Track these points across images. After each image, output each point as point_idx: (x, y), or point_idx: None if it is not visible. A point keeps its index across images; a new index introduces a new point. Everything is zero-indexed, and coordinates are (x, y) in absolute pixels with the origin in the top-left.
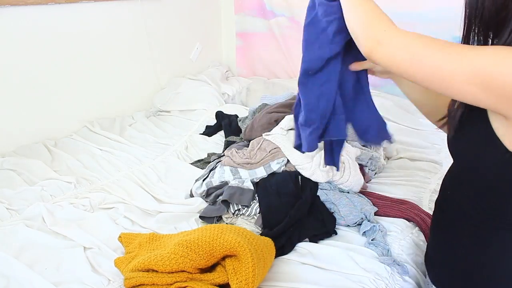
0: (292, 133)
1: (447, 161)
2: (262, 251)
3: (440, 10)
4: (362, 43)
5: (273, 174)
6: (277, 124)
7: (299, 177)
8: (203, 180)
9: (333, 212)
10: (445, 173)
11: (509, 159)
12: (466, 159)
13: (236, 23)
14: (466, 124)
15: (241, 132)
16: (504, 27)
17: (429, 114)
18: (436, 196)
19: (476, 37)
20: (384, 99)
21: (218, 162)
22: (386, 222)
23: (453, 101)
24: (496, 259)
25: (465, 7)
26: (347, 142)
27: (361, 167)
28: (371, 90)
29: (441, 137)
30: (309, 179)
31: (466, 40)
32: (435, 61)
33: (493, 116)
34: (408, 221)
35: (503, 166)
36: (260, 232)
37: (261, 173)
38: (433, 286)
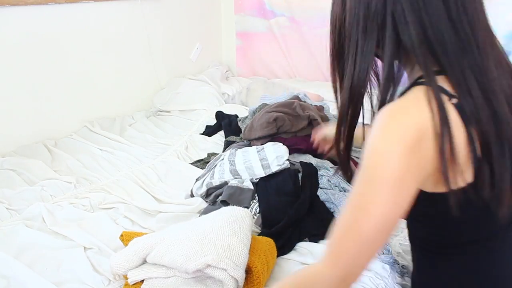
0: None
1: None
2: (265, 254)
3: None
4: None
5: (273, 173)
6: (275, 124)
7: (299, 176)
8: (203, 180)
9: (333, 212)
10: None
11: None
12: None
13: (236, 23)
14: None
15: (241, 132)
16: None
17: None
18: None
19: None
20: None
21: (218, 160)
22: None
23: None
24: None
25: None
26: None
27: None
28: None
29: None
30: (309, 178)
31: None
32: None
33: None
34: None
35: (424, 205)
36: (259, 231)
37: (259, 173)
38: None
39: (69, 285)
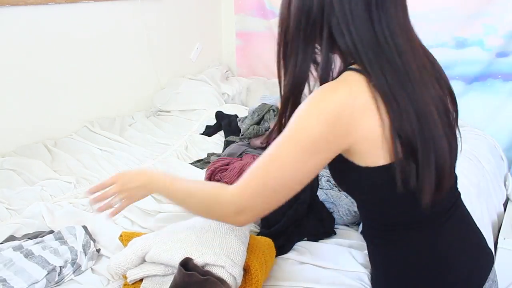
0: None
1: None
2: (264, 254)
3: (440, 10)
4: (224, 220)
5: None
6: None
7: None
8: None
9: (332, 212)
10: None
11: (359, 172)
12: (343, 185)
13: (236, 23)
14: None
15: (240, 132)
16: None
17: None
18: None
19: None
20: None
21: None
22: None
23: None
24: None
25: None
26: None
27: None
28: None
29: None
30: None
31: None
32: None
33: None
34: None
35: (359, 180)
36: (258, 231)
37: None
38: None
39: (69, 285)
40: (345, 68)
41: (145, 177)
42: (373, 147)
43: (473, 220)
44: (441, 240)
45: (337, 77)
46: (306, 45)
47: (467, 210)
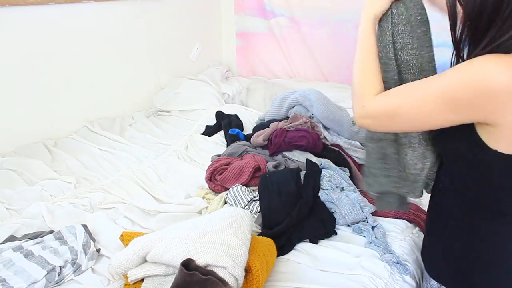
0: None
1: None
2: (265, 254)
3: (439, 10)
4: (354, 110)
5: (275, 168)
6: None
7: (301, 175)
8: None
9: (333, 212)
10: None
11: (493, 157)
12: (455, 157)
13: (236, 23)
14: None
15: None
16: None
17: None
18: None
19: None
20: None
21: None
22: (387, 222)
23: None
24: (480, 249)
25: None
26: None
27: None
28: None
29: None
30: (313, 178)
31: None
32: (408, 107)
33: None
34: (409, 222)
35: (489, 164)
36: (260, 231)
37: None
38: (431, 280)
39: (69, 285)
40: None
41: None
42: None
43: None
44: None
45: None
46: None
47: None
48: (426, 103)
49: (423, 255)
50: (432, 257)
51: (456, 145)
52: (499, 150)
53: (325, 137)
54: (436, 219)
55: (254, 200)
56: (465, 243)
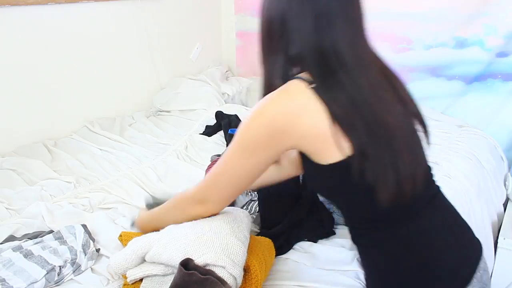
0: None
1: (446, 160)
2: (264, 254)
3: (440, 10)
4: (190, 213)
5: None
6: None
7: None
8: None
9: (332, 212)
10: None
11: (321, 170)
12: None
13: (236, 23)
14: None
15: None
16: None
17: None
18: None
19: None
20: None
21: None
22: None
23: None
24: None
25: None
26: None
27: None
28: None
29: (442, 138)
30: None
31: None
32: (221, 169)
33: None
34: None
35: (323, 178)
36: (258, 231)
37: None
38: None
39: (69, 285)
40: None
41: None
42: (323, 144)
43: (457, 212)
44: (423, 235)
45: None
46: (271, 56)
47: (449, 202)
48: (231, 163)
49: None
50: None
51: (307, 178)
52: (319, 162)
53: None
54: (358, 251)
55: (253, 200)
56: (380, 263)
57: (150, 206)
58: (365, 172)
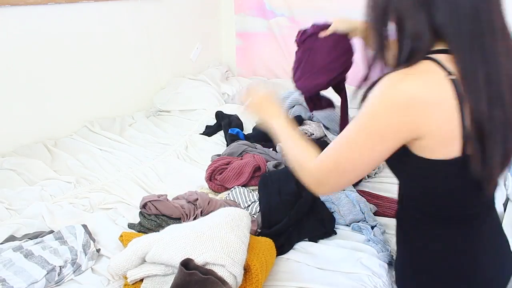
0: None
1: None
2: (264, 254)
3: None
4: (306, 183)
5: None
6: None
7: None
8: None
9: (333, 212)
10: None
11: (421, 164)
12: (395, 171)
13: (236, 23)
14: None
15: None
16: None
17: None
18: None
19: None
20: None
21: None
22: (386, 221)
23: None
24: (442, 261)
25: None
26: None
27: None
28: None
29: None
30: None
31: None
32: (344, 158)
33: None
34: None
35: (421, 171)
36: (259, 231)
37: None
38: None
39: (69, 285)
40: (422, 56)
41: (270, 118)
42: (442, 141)
43: (501, 224)
44: (477, 240)
45: (410, 64)
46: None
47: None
48: (354, 148)
49: (395, 266)
50: (399, 269)
51: (390, 160)
52: (425, 157)
53: (325, 137)
54: (401, 233)
55: (254, 201)
56: (425, 255)
57: None
58: (477, 166)
